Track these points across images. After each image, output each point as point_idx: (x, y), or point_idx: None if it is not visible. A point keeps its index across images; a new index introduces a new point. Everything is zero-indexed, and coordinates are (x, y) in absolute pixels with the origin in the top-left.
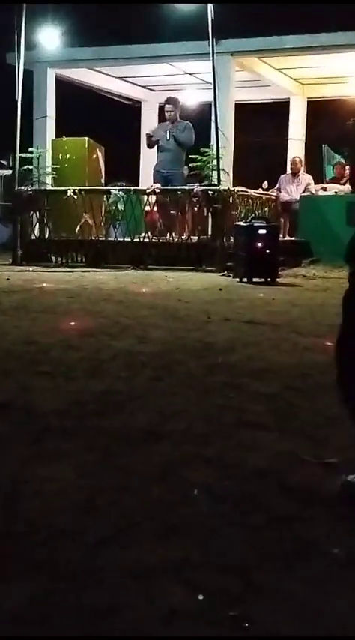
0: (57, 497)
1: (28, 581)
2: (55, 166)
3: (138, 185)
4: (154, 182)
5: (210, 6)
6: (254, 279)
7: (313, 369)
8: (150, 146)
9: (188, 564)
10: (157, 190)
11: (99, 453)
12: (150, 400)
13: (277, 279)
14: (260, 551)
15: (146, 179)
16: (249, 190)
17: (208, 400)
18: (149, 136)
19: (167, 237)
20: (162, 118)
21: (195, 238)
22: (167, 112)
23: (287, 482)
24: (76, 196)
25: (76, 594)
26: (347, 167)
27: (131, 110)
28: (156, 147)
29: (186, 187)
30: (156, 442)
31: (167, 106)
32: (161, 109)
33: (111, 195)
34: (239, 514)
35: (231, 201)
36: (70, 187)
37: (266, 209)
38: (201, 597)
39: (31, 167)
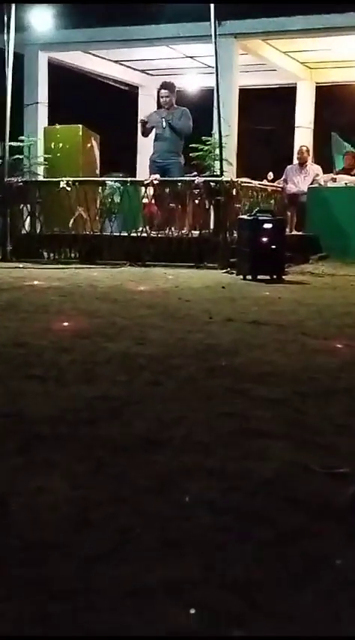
0: (48, 510)
1: (17, 601)
2: (46, 156)
3: (135, 176)
4: (151, 173)
5: None
6: (258, 277)
7: (322, 372)
8: (144, 134)
9: (188, 582)
10: (156, 182)
11: (93, 463)
12: (148, 406)
13: (283, 277)
14: (265, 569)
15: (143, 170)
16: (253, 182)
17: (210, 406)
18: (143, 123)
19: (166, 231)
20: (160, 104)
21: (196, 233)
22: (162, 97)
23: (294, 494)
24: (69, 188)
25: (69, 615)
26: None
27: (128, 96)
28: (152, 135)
29: (187, 178)
30: (155, 451)
31: (162, 91)
32: (159, 94)
33: (107, 187)
34: (243, 529)
35: (234, 193)
36: (63, 178)
37: (271, 202)
38: (202, 617)
39: (21, 157)
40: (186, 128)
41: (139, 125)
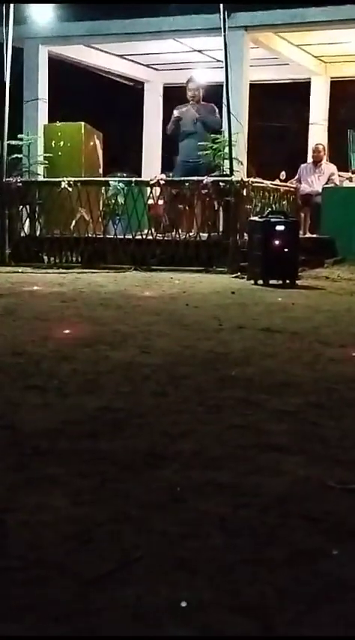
0: (48, 528)
1: (16, 624)
2: (47, 155)
3: (140, 176)
4: (180, 174)
5: None
6: (271, 282)
7: (339, 383)
8: (174, 131)
9: (197, 605)
10: (162, 182)
11: (95, 478)
12: (153, 418)
13: (297, 282)
14: (279, 591)
15: (149, 169)
16: (265, 181)
17: (220, 418)
18: (178, 119)
19: (173, 234)
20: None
21: (204, 235)
22: (190, 90)
23: (309, 512)
24: (70, 188)
25: (69, 639)
26: None
27: (132, 92)
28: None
29: (194, 178)
30: (161, 466)
31: (190, 84)
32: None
33: (111, 188)
34: (256, 548)
35: (244, 193)
36: (64, 178)
37: (284, 202)
38: None
39: (20, 156)
40: (218, 124)
41: (171, 122)
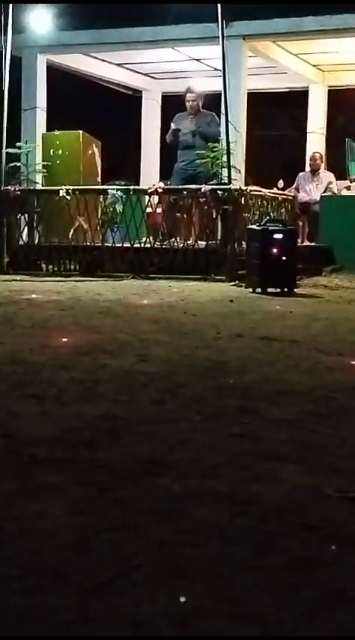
0: (47, 536)
1: (15, 632)
2: (45, 163)
3: (138, 184)
4: (177, 182)
5: None
6: (269, 290)
7: (337, 391)
8: (174, 142)
9: (196, 613)
10: (160, 190)
11: (94, 487)
12: (151, 427)
13: (295, 290)
14: (278, 599)
15: (147, 177)
16: (263, 190)
17: (218, 427)
18: (176, 131)
19: (171, 242)
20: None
21: (202, 244)
22: (188, 101)
23: (307, 520)
24: (69, 197)
25: None
26: None
27: (131, 100)
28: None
29: (193, 187)
30: (159, 475)
31: (189, 94)
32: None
33: (109, 196)
34: (254, 556)
35: (242, 202)
36: (63, 187)
37: (282, 211)
38: None
39: (18, 164)
40: (217, 135)
41: (170, 133)
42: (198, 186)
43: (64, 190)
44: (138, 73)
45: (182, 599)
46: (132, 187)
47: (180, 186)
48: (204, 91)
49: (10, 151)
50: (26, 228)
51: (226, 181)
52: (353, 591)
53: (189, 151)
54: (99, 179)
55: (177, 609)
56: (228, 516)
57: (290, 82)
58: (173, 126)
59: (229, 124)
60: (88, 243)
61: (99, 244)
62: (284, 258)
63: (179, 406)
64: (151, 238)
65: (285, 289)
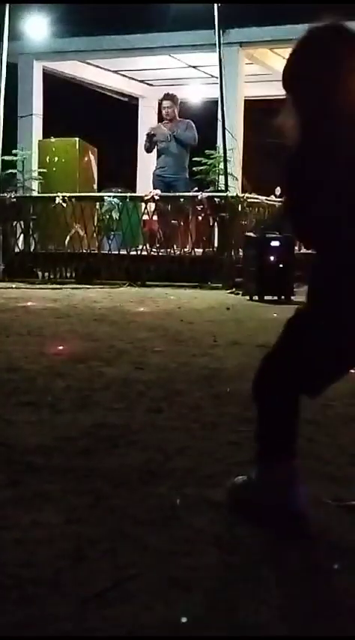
0: (42, 546)
1: None
2: (41, 170)
3: (135, 191)
4: (154, 188)
5: None
6: (266, 297)
7: (335, 399)
8: (149, 149)
9: (193, 623)
10: (157, 197)
11: (90, 496)
12: (148, 435)
13: (292, 297)
14: (276, 609)
15: (144, 184)
16: (260, 197)
17: (215, 435)
18: (150, 136)
19: (168, 249)
20: (161, 116)
21: (199, 251)
22: (164, 108)
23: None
24: (65, 204)
25: None
26: None
27: (128, 107)
28: (155, 149)
29: (190, 194)
30: (156, 483)
31: (164, 102)
32: (160, 106)
33: (105, 203)
34: (251, 566)
35: (239, 209)
36: (59, 194)
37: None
38: None
39: (14, 171)
40: (193, 140)
41: (145, 139)
42: (195, 194)
43: (61, 197)
44: (134, 79)
45: (179, 609)
46: (128, 194)
47: (177, 194)
48: (179, 98)
49: (6, 157)
50: (22, 235)
51: (223, 189)
52: (351, 601)
53: (165, 158)
54: (95, 186)
55: (174, 619)
56: (225, 525)
57: None
58: (148, 130)
59: (226, 131)
60: (84, 251)
61: (96, 252)
62: (281, 265)
63: (175, 414)
64: (148, 245)
65: (282, 297)
